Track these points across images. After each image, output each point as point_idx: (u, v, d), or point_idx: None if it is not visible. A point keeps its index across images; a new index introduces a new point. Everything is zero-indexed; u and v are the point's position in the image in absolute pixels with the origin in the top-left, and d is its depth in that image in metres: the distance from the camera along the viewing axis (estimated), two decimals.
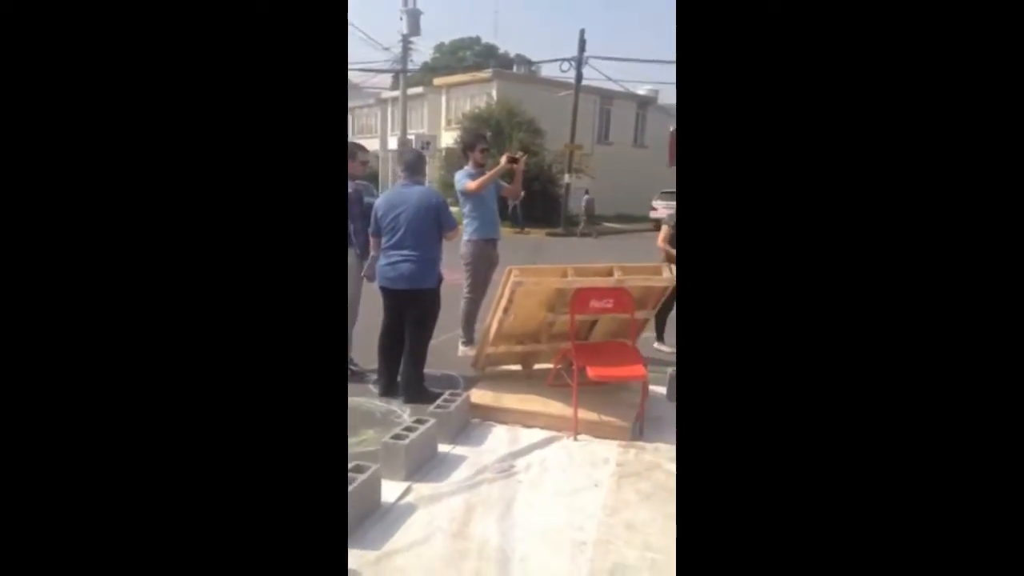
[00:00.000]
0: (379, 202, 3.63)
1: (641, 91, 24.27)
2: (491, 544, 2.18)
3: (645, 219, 18.98)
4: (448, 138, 21.21)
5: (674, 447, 3.01)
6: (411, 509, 2.40)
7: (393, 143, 25.61)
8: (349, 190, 3.79)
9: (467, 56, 41.41)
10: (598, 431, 3.11)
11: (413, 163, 3.62)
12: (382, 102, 30.56)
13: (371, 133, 32.17)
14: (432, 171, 20.51)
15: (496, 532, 2.26)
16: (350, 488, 2.22)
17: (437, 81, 25.35)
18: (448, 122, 23.63)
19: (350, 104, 34.41)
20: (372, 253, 3.71)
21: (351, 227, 3.76)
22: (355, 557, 2.06)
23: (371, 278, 3.72)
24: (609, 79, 20.80)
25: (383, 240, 3.56)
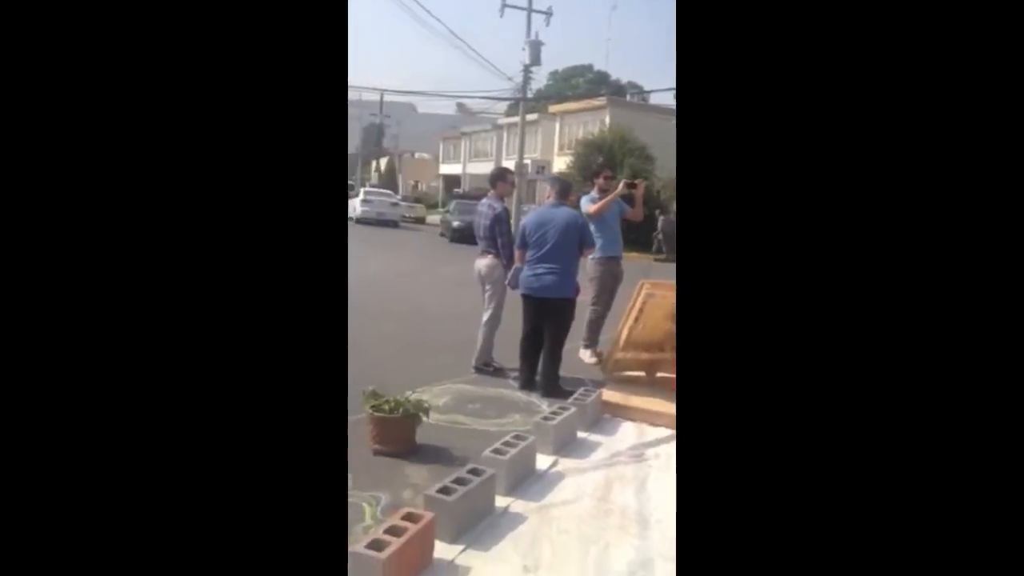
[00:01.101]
0: (528, 220, 4.18)
1: None
2: (631, 508, 2.60)
3: None
4: (560, 163, 21.86)
5: None
6: (560, 477, 2.86)
7: (509, 167, 26.60)
8: (499, 209, 4.42)
9: (580, 83, 42.26)
10: None
11: (564, 188, 4.16)
12: (497, 128, 31.86)
13: (486, 157, 33.55)
14: (543, 196, 21.21)
15: (634, 501, 2.68)
16: (512, 453, 2.72)
17: (552, 108, 26.17)
18: (561, 147, 24.32)
19: (467, 129, 36.12)
20: (516, 264, 4.25)
21: (499, 241, 4.35)
22: (519, 506, 2.54)
23: (514, 286, 4.26)
24: None
25: (529, 253, 4.09)
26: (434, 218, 24.65)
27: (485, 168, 33.15)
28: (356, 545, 1.98)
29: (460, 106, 44.41)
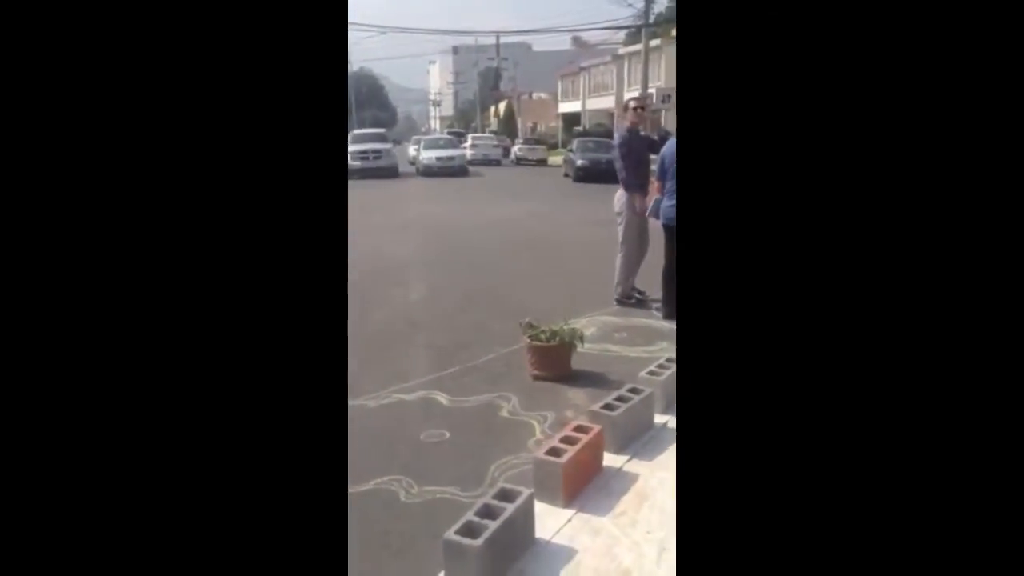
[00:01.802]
0: (666, 150, 4.17)
1: None
2: None
3: None
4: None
5: None
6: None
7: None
8: (617, 138, 4.53)
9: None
10: None
11: None
12: (617, 59, 30.77)
13: (606, 91, 32.65)
14: (670, 123, 20.41)
15: None
16: (667, 375, 2.84)
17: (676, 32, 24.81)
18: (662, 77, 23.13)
19: (586, 64, 35.18)
20: (656, 195, 4.27)
21: (629, 170, 4.46)
22: (633, 465, 2.56)
23: (656, 217, 4.29)
24: None
25: (667, 184, 4.09)
26: (556, 159, 24.57)
27: (606, 103, 32.42)
28: (537, 452, 2.23)
29: (575, 40, 43.18)
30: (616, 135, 4.71)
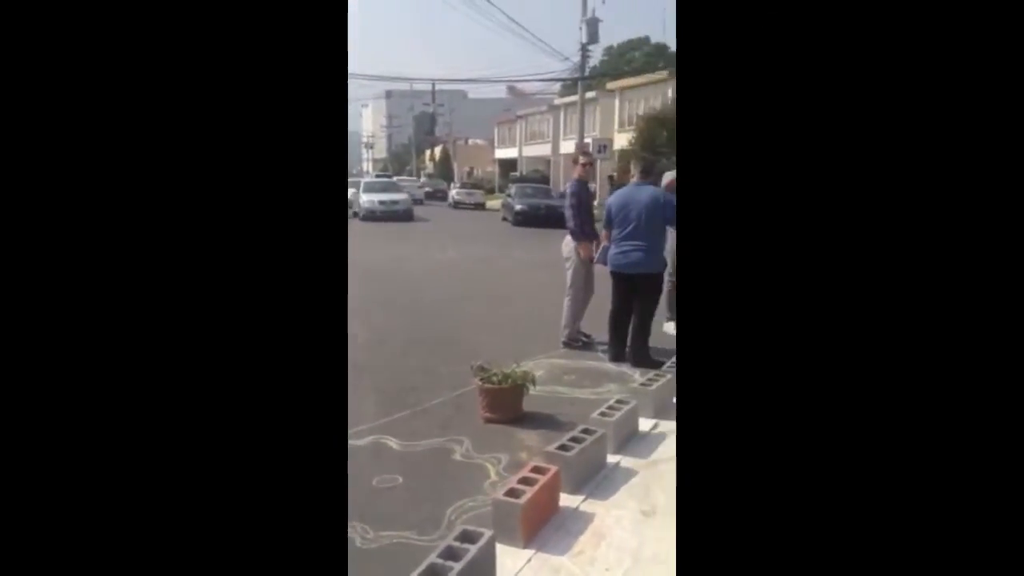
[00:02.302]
0: (612, 200, 4.35)
1: None
2: None
3: None
4: (621, 139, 21.73)
5: None
6: (662, 437, 3.06)
7: (567, 147, 26.58)
8: (570, 188, 4.70)
9: (637, 57, 41.54)
10: None
11: (648, 167, 4.31)
12: (553, 108, 31.80)
13: (542, 139, 33.58)
14: (604, 173, 21.16)
15: None
16: (618, 416, 2.93)
17: (611, 85, 25.93)
18: (621, 124, 24.13)
19: (522, 112, 36.19)
20: (604, 243, 4.44)
21: (577, 219, 4.61)
22: (629, 462, 2.76)
23: (604, 263, 4.44)
24: None
25: (614, 232, 4.26)
26: (493, 203, 24.93)
27: (541, 150, 33.31)
28: (496, 493, 2.24)
29: (511, 89, 44.30)
30: (568, 186, 4.89)
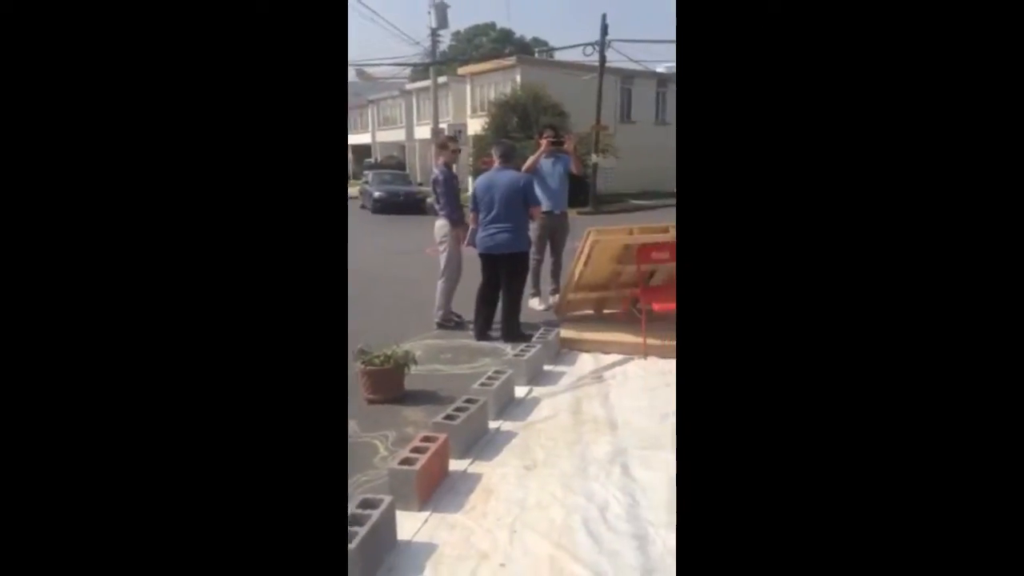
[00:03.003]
0: (477, 185, 4.55)
1: (660, 69, 24.80)
2: (600, 416, 3.10)
3: (670, 195, 19.69)
4: (475, 125, 22.01)
5: None
6: (536, 401, 3.33)
7: (421, 132, 26.47)
8: (435, 173, 4.86)
9: (484, 43, 41.98)
10: (662, 352, 4.00)
11: (507, 152, 4.53)
12: (406, 94, 31.41)
13: (395, 124, 33.10)
14: (463, 158, 21.37)
15: (602, 411, 3.18)
16: (496, 385, 3.15)
17: (461, 70, 26.07)
18: (474, 109, 24.38)
19: (373, 97, 35.40)
20: (472, 226, 4.64)
21: (440, 202, 4.79)
22: (508, 425, 3.00)
23: (474, 246, 4.64)
24: (630, 59, 21.52)
25: (481, 216, 4.47)
26: (351, 191, 24.32)
27: (395, 136, 32.81)
28: (392, 463, 2.38)
29: (360, 73, 43.16)
30: (436, 172, 4.99)
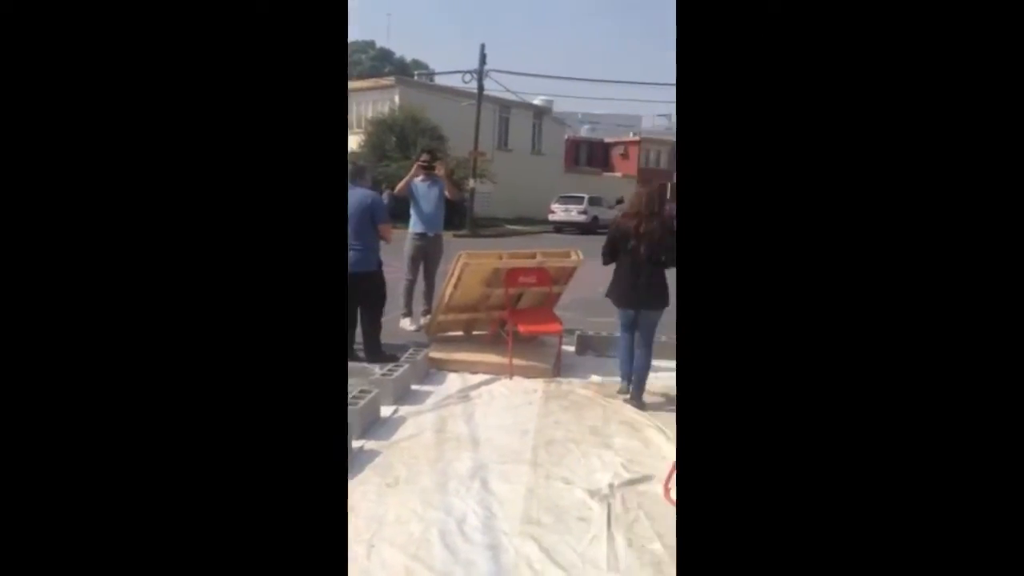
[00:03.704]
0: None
1: (536, 101, 25.78)
2: (464, 434, 3.19)
3: (544, 222, 20.42)
4: (352, 142, 21.66)
5: (582, 380, 4.14)
6: (402, 420, 3.36)
7: None
8: None
9: (362, 60, 41.48)
10: (527, 373, 4.17)
11: (356, 171, 4.52)
12: None
13: None
14: None
15: (465, 428, 3.27)
16: (359, 405, 3.16)
17: None
18: (351, 127, 23.97)
19: None
20: None
21: None
22: (372, 444, 3.00)
23: None
24: (507, 89, 22.21)
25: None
26: None
27: None
28: None
29: None
30: None
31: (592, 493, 2.56)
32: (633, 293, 3.65)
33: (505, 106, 23.65)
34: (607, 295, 3.83)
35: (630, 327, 3.77)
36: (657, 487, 2.65)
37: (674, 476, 2.66)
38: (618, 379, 4.00)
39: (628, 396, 3.75)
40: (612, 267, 3.84)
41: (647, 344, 3.70)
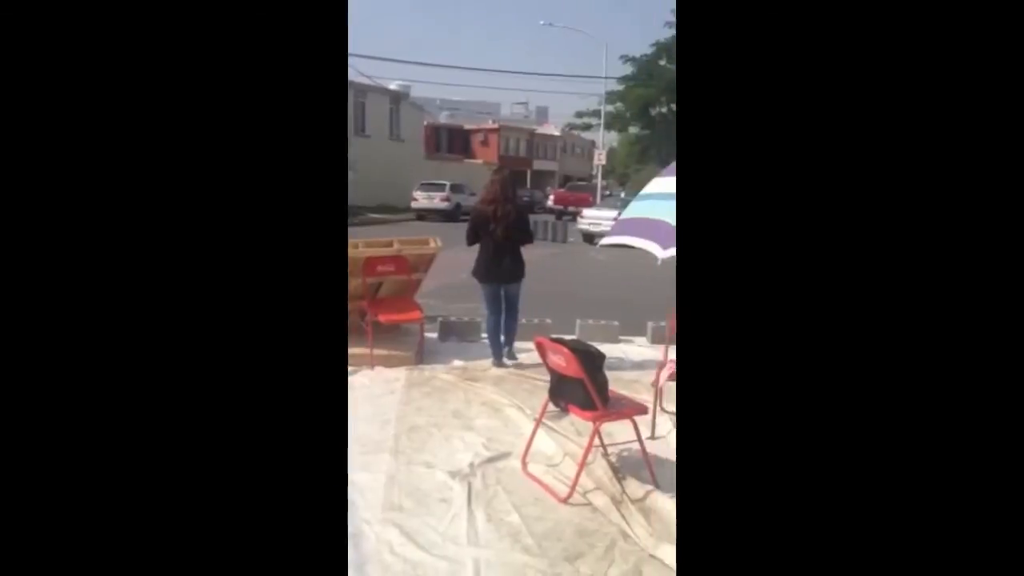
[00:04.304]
0: None
1: (392, 86, 25.29)
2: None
3: (406, 210, 20.14)
4: None
5: (445, 365, 4.21)
6: None
7: None
8: None
9: None
10: (389, 362, 4.16)
11: None
12: None
13: None
14: None
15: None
16: None
17: None
18: None
19: None
20: None
21: None
22: None
23: None
24: (362, 74, 21.61)
25: None
26: None
27: None
28: None
29: None
30: None
31: (453, 474, 2.64)
32: (496, 270, 4.12)
33: (361, 91, 23.00)
34: (472, 273, 4.23)
35: (494, 301, 4.22)
36: (515, 462, 2.79)
37: (530, 450, 2.81)
38: (480, 361, 4.23)
39: (500, 361, 4.27)
40: (475, 250, 4.25)
41: (514, 310, 4.29)
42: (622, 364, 4.39)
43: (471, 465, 2.73)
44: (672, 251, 2.42)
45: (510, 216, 4.06)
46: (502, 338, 4.36)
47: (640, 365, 4.37)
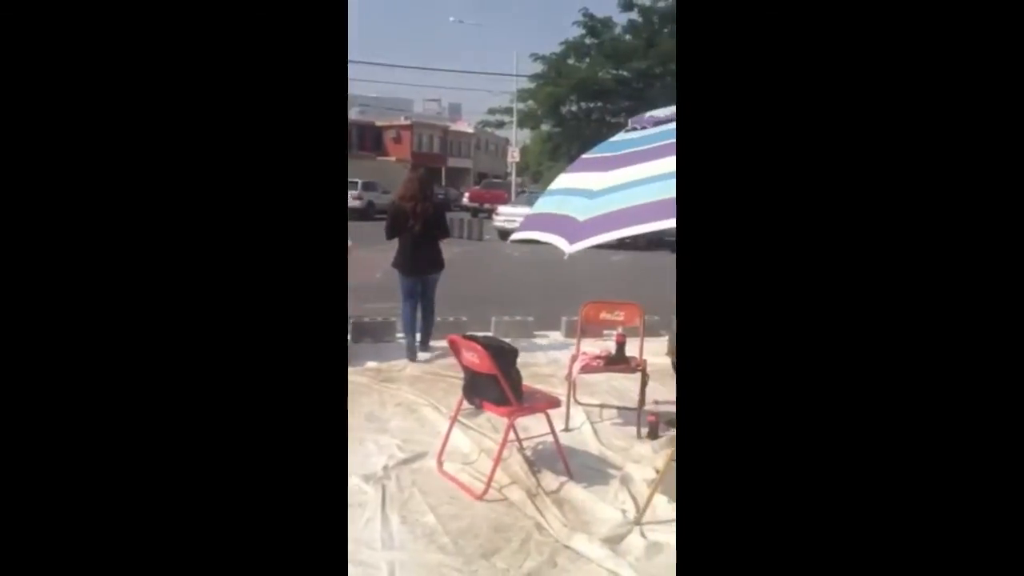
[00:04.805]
0: None
1: None
2: None
3: None
4: None
5: (358, 367, 4.12)
6: None
7: None
8: None
9: None
10: None
11: None
12: None
13: None
14: None
15: None
16: None
17: None
18: None
19: None
20: None
21: None
22: None
23: None
24: None
25: None
26: None
27: None
28: None
29: None
30: None
31: (367, 478, 2.59)
32: (415, 263, 4.32)
33: None
34: (393, 265, 4.40)
35: (411, 294, 4.35)
36: (431, 462, 2.77)
37: (446, 449, 2.79)
38: (396, 361, 4.22)
39: (416, 353, 4.35)
40: (389, 254, 4.42)
41: (430, 302, 4.47)
42: (536, 359, 4.46)
43: (385, 468, 2.69)
44: (578, 245, 2.46)
45: (428, 213, 4.26)
46: (418, 336, 4.39)
47: (555, 360, 4.44)
